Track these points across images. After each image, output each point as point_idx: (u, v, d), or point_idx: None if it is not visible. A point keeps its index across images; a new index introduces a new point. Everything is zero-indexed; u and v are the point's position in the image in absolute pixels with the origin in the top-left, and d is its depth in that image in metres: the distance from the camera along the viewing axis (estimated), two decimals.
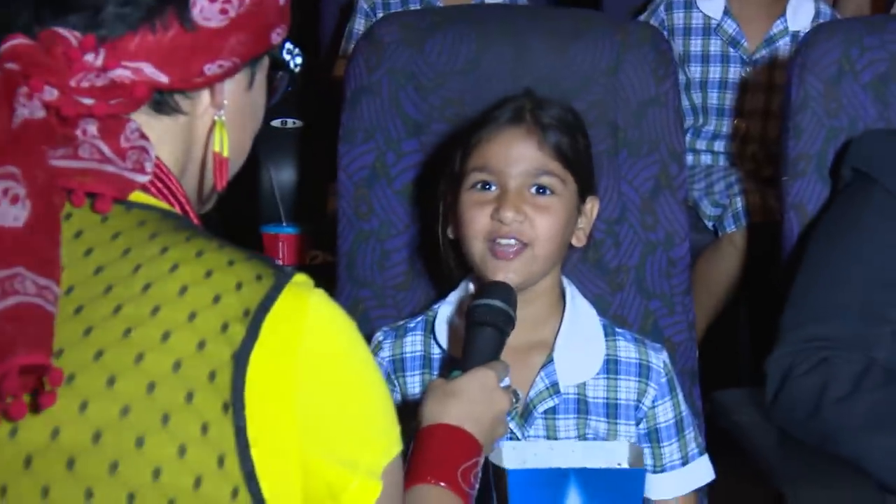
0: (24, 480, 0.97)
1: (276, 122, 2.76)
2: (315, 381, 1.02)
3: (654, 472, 1.69)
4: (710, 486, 1.93)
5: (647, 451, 1.67)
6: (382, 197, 1.98)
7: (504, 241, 1.61)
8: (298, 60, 1.20)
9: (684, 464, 1.70)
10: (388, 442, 1.08)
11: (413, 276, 1.98)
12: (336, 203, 2.70)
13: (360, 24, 2.80)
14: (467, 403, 1.39)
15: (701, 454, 1.72)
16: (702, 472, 1.73)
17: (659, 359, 1.69)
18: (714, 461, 1.94)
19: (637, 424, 1.67)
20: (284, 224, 2.47)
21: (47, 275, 0.97)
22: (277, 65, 1.21)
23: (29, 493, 0.96)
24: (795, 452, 1.69)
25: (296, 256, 2.50)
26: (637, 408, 1.67)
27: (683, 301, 1.97)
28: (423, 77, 1.98)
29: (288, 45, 1.19)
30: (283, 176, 2.77)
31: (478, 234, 1.63)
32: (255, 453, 0.99)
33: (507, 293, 1.53)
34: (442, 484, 1.31)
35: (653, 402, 1.67)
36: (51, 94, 1.04)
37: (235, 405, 0.98)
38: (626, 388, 1.67)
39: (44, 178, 1.00)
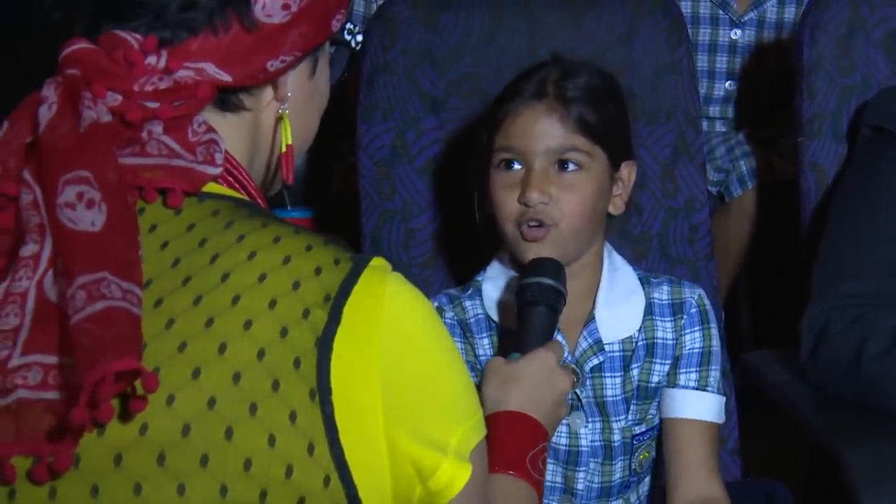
0: (115, 478, 0.95)
1: None
2: (397, 363, 1.01)
3: (666, 386, 1.66)
4: (741, 445, 1.95)
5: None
6: (404, 176, 1.98)
7: (532, 224, 1.60)
8: (360, 38, 1.19)
9: (697, 389, 1.66)
10: (473, 423, 1.07)
11: (439, 254, 1.97)
12: (342, 183, 2.69)
13: (359, 6, 2.77)
14: (529, 388, 1.38)
15: (719, 395, 1.67)
16: (714, 406, 1.66)
17: (693, 293, 1.69)
18: (744, 422, 1.96)
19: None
20: (290, 208, 2.44)
21: (129, 278, 0.96)
22: (335, 42, 1.20)
23: (121, 491, 0.95)
24: (836, 409, 1.70)
25: None
26: (674, 345, 1.67)
27: (707, 266, 1.98)
28: (438, 53, 1.98)
29: (349, 26, 1.18)
30: None
31: (508, 217, 1.62)
32: (343, 439, 0.98)
33: (555, 269, 1.52)
34: (511, 473, 1.30)
35: (682, 330, 1.67)
36: (114, 99, 1.02)
37: (322, 392, 0.97)
38: (663, 328, 1.67)
39: (116, 179, 0.99)
